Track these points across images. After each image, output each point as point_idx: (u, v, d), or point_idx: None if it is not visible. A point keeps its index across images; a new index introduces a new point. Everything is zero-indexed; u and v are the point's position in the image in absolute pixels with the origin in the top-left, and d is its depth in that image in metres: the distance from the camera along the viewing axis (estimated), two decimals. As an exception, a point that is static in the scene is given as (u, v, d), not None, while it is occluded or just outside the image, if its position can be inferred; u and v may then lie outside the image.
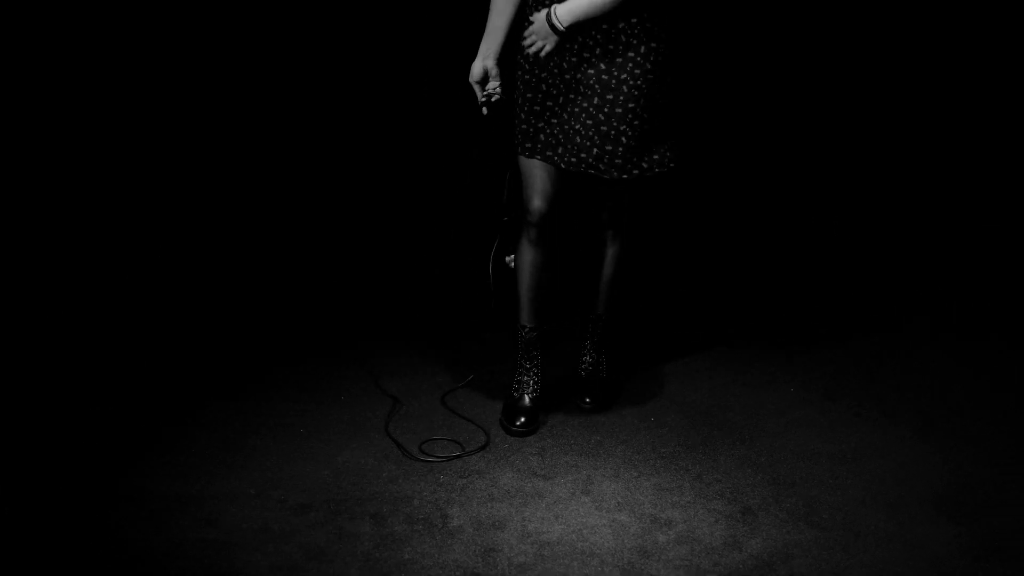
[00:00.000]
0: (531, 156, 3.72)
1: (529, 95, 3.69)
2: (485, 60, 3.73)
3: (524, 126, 3.72)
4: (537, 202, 3.74)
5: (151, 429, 3.86)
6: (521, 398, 3.92)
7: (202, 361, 4.30)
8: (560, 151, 3.67)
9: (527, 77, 3.69)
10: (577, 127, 3.62)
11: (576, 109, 3.62)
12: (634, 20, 3.54)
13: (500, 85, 3.76)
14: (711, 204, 5.36)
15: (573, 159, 3.64)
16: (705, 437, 3.84)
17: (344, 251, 5.07)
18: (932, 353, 4.35)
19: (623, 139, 3.60)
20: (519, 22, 3.70)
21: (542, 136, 3.69)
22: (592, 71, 3.59)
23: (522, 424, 3.87)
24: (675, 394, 4.11)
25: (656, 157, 3.68)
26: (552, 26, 3.53)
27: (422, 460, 3.71)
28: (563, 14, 3.51)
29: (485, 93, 3.75)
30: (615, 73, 3.58)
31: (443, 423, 3.92)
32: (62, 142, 5.08)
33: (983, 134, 5.39)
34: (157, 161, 5.25)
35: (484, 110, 3.76)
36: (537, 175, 3.74)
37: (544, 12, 3.54)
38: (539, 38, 3.58)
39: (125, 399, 4.04)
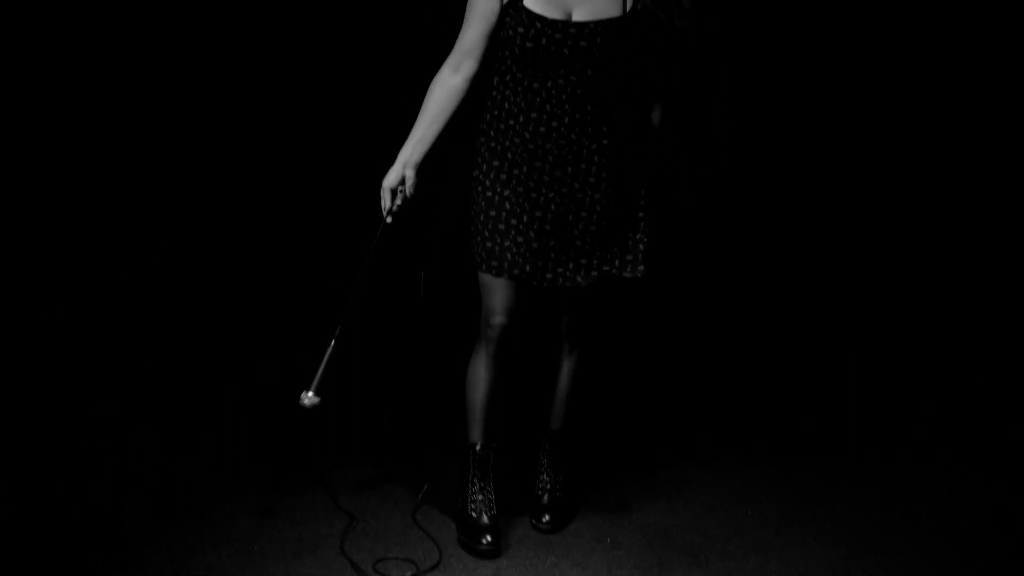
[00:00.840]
0: (498, 275, 3.67)
1: (493, 213, 3.64)
2: (406, 168, 3.57)
3: (488, 244, 3.65)
4: (500, 317, 3.71)
5: (100, 540, 3.82)
6: (480, 516, 3.88)
7: (158, 475, 4.27)
8: (527, 267, 3.64)
9: (488, 195, 3.64)
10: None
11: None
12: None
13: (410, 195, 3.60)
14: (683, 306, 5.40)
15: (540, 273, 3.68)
16: (661, 559, 3.83)
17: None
18: (894, 473, 4.36)
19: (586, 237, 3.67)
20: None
21: (508, 255, 3.64)
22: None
23: (488, 543, 3.82)
24: (633, 513, 4.10)
25: (619, 261, 3.71)
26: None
27: (377, 581, 3.69)
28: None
29: (397, 204, 3.60)
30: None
31: (398, 541, 3.89)
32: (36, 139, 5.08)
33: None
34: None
35: (389, 219, 3.59)
36: (500, 289, 3.70)
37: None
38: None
39: (76, 511, 4.00)
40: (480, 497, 3.91)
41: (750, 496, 4.21)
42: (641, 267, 3.72)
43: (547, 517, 3.95)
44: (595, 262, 3.70)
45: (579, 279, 3.70)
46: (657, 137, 3.74)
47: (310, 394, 3.55)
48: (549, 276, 3.67)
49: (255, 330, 5.29)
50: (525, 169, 3.61)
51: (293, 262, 5.46)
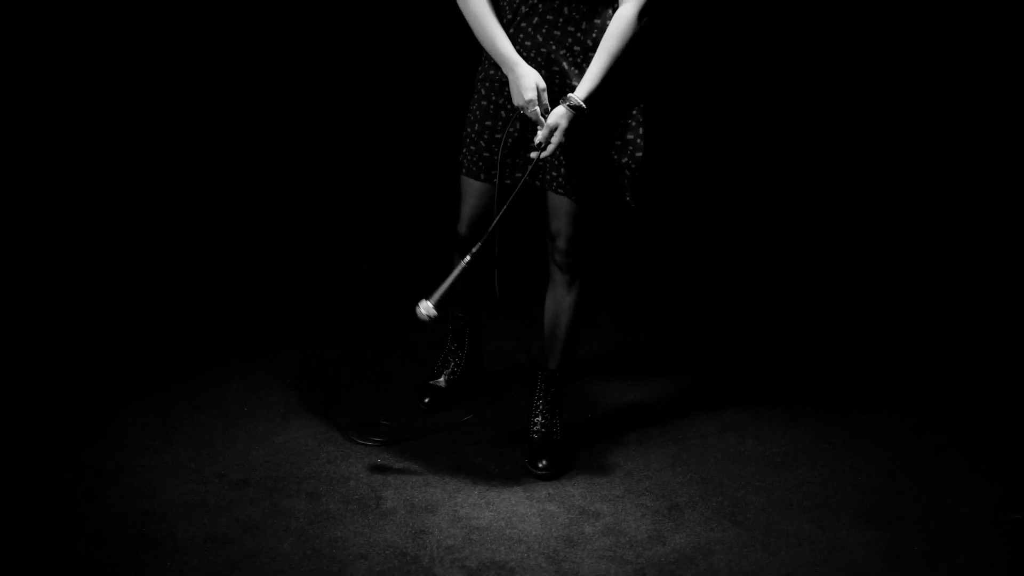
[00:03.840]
0: (475, 178, 3.66)
1: (488, 123, 3.60)
2: (518, 68, 3.43)
3: (473, 148, 3.63)
4: (464, 228, 3.75)
5: (94, 403, 3.92)
6: (436, 379, 4.06)
7: (152, 338, 4.37)
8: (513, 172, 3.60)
9: (484, 103, 3.61)
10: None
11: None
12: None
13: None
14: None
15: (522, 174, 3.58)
16: (639, 436, 3.93)
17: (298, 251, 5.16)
18: (865, 371, 4.45)
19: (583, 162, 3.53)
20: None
21: (465, 160, 3.66)
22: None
23: (425, 404, 4.01)
24: (610, 392, 4.19)
25: (610, 190, 3.58)
26: (577, 111, 3.37)
27: (361, 444, 3.78)
28: (582, 95, 3.38)
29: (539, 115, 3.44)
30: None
31: (383, 409, 3.99)
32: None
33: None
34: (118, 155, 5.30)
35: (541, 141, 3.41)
36: (465, 195, 3.72)
37: (564, 112, 3.36)
38: (559, 132, 3.40)
39: (71, 374, 4.10)
40: (448, 361, 4.08)
41: (728, 379, 4.30)
42: (601, 196, 3.57)
43: (543, 462, 3.70)
44: (560, 180, 3.56)
45: (545, 182, 3.59)
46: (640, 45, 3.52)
47: (430, 306, 3.45)
48: (507, 183, 3.60)
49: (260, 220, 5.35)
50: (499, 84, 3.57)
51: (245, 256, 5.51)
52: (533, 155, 3.42)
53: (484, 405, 4.03)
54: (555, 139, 3.39)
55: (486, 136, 3.60)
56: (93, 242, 4.94)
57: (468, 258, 3.47)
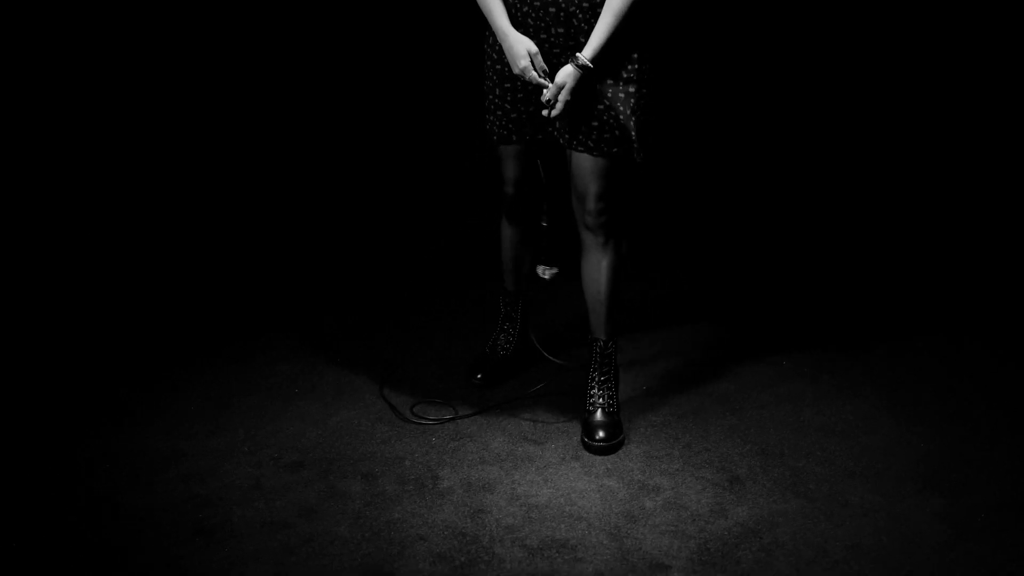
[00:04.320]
0: (508, 143, 3.68)
1: (507, 84, 3.57)
2: (510, 36, 3.45)
3: (500, 113, 3.62)
4: (510, 187, 3.78)
5: (143, 387, 3.91)
6: (491, 352, 4.03)
7: (198, 322, 4.35)
8: (533, 131, 3.62)
9: (499, 67, 3.57)
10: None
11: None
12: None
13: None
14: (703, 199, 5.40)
15: (540, 135, 3.62)
16: (696, 407, 3.87)
17: (352, 228, 5.15)
18: (925, 337, 4.37)
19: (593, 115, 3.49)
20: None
21: (518, 120, 3.62)
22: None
23: (478, 379, 3.98)
24: (667, 365, 4.14)
25: (621, 144, 3.51)
26: (584, 70, 3.38)
27: (415, 422, 3.74)
28: (589, 54, 3.37)
29: (543, 70, 3.47)
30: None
31: (436, 387, 3.95)
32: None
33: (984, 132, 5.43)
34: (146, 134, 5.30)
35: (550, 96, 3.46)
36: (505, 159, 3.74)
37: (572, 72, 3.37)
38: (566, 91, 3.42)
39: (118, 358, 4.08)
40: (500, 337, 4.04)
41: (784, 348, 4.24)
42: (616, 149, 3.51)
43: (600, 434, 3.65)
44: (580, 137, 3.53)
45: (565, 141, 3.56)
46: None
47: (545, 268, 3.56)
48: (540, 137, 3.63)
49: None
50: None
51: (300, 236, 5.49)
52: (544, 113, 3.46)
53: (540, 379, 3.96)
54: (562, 97, 3.42)
55: (509, 99, 3.59)
56: (138, 228, 4.95)
57: (545, 223, 3.51)
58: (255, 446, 3.59)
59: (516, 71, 3.47)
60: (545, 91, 3.44)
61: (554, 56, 3.46)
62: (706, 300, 4.65)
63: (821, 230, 5.21)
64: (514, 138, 3.65)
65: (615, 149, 3.50)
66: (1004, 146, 5.46)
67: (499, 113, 3.63)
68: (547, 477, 3.48)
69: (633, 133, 3.49)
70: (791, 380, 4.04)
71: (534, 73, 3.44)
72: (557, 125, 3.54)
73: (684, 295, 4.70)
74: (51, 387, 3.89)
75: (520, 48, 3.43)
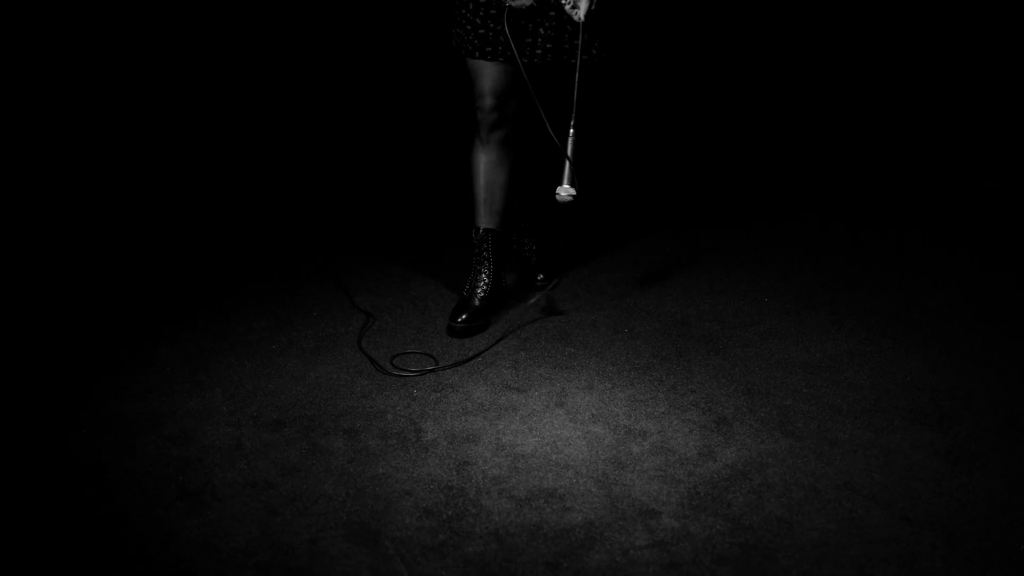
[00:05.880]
0: (483, 58, 3.74)
1: (483, 1, 3.68)
2: None
3: (469, 26, 3.71)
4: (489, 99, 3.79)
5: (116, 349, 3.83)
6: (470, 297, 3.97)
7: (170, 280, 4.28)
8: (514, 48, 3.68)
9: None
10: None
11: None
12: None
13: None
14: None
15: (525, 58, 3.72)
16: (679, 348, 3.83)
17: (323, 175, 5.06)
18: (908, 265, 4.33)
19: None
20: None
21: (485, 36, 3.72)
22: None
23: (462, 320, 3.91)
24: (648, 304, 4.09)
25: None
26: None
27: (395, 375, 3.69)
28: None
29: None
30: None
31: (416, 337, 3.90)
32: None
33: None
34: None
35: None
36: (488, 74, 3.76)
37: None
38: None
39: (90, 319, 4.02)
40: (477, 279, 3.98)
41: (767, 284, 4.19)
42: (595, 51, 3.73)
43: (543, 273, 4.22)
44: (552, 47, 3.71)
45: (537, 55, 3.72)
46: None
47: (567, 187, 3.56)
48: (524, 60, 3.71)
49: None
50: None
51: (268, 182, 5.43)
52: (576, 17, 3.59)
53: (513, 321, 3.91)
54: (583, 5, 3.59)
55: (481, 13, 3.67)
56: (105, 192, 4.89)
57: (572, 131, 3.60)
58: (234, 406, 3.53)
59: None
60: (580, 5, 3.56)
61: None
62: (682, 241, 4.60)
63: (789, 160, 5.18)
64: (488, 55, 3.70)
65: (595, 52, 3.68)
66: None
67: (468, 27, 3.70)
68: (532, 426, 3.43)
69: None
70: (774, 317, 4.00)
71: None
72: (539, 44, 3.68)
73: (660, 237, 4.65)
74: (26, 356, 3.82)
75: None
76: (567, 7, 3.59)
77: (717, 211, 4.82)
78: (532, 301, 4.03)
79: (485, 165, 3.87)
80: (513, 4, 3.59)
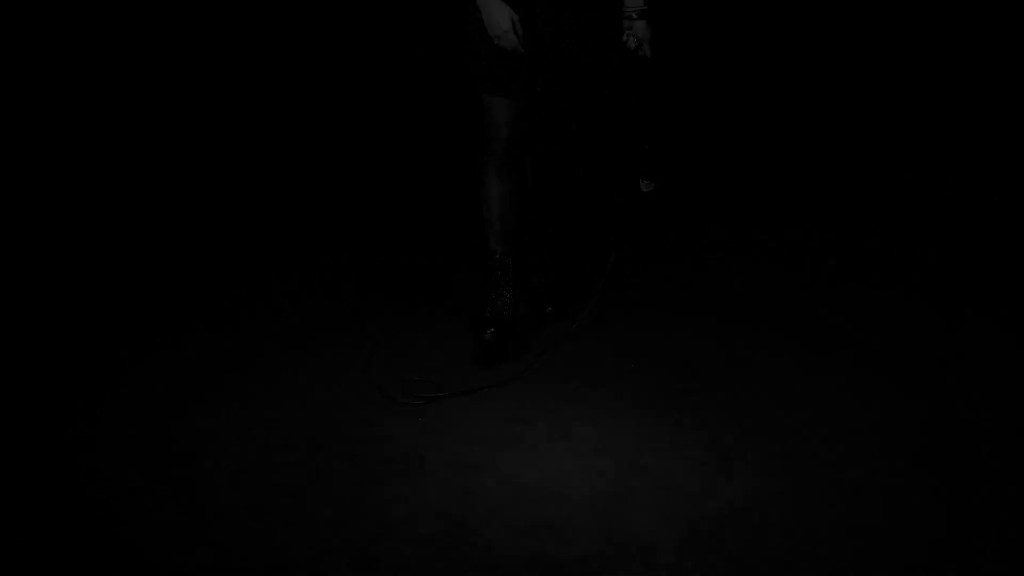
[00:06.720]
0: (502, 95, 3.74)
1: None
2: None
3: (485, 63, 3.71)
4: (505, 130, 3.79)
5: (124, 367, 3.86)
6: (493, 318, 3.98)
7: (179, 298, 4.31)
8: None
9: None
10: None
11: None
12: None
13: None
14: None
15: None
16: (685, 385, 3.83)
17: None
18: (919, 305, 4.33)
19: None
20: None
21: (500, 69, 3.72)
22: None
23: (491, 333, 3.95)
24: (655, 342, 4.09)
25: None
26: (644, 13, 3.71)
27: (401, 402, 3.70)
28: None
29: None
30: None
31: (424, 364, 3.91)
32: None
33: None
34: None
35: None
36: (504, 106, 3.77)
37: (640, 22, 3.70)
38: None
39: (97, 336, 4.06)
40: (499, 298, 3.98)
41: (772, 325, 4.20)
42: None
43: (551, 306, 4.20)
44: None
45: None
46: None
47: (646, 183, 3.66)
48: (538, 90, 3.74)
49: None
50: None
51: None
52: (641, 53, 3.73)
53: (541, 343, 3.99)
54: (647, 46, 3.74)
55: (495, 49, 3.66)
56: (107, 203, 4.94)
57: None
58: (240, 427, 3.55)
59: (496, 32, 3.58)
60: (632, 42, 3.70)
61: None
62: (685, 272, 4.61)
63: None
64: (502, 91, 3.72)
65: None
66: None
67: (484, 64, 3.70)
68: (535, 458, 3.44)
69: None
70: (781, 356, 4.00)
71: (513, 36, 3.57)
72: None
73: (667, 268, 4.66)
74: (29, 363, 3.85)
75: (505, 12, 3.57)
76: (630, 44, 3.71)
77: (723, 236, 4.84)
78: (575, 326, 4.00)
79: (500, 195, 3.87)
80: (502, 45, 3.62)
